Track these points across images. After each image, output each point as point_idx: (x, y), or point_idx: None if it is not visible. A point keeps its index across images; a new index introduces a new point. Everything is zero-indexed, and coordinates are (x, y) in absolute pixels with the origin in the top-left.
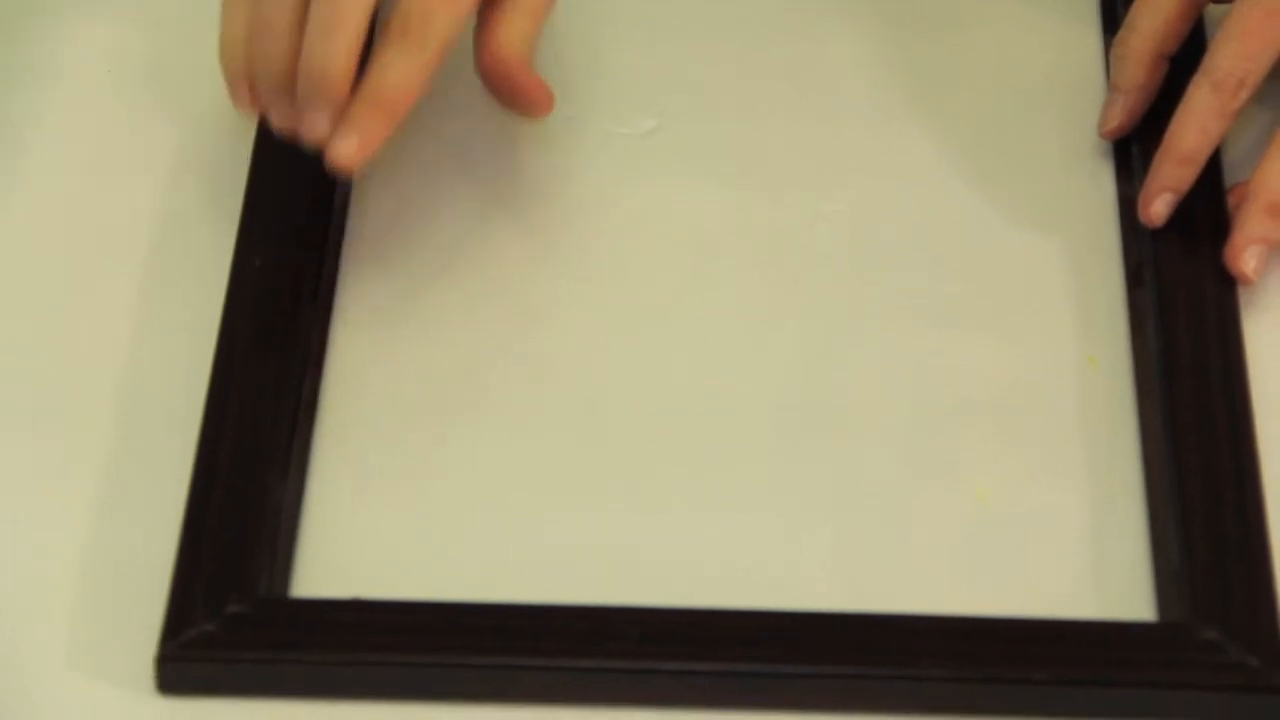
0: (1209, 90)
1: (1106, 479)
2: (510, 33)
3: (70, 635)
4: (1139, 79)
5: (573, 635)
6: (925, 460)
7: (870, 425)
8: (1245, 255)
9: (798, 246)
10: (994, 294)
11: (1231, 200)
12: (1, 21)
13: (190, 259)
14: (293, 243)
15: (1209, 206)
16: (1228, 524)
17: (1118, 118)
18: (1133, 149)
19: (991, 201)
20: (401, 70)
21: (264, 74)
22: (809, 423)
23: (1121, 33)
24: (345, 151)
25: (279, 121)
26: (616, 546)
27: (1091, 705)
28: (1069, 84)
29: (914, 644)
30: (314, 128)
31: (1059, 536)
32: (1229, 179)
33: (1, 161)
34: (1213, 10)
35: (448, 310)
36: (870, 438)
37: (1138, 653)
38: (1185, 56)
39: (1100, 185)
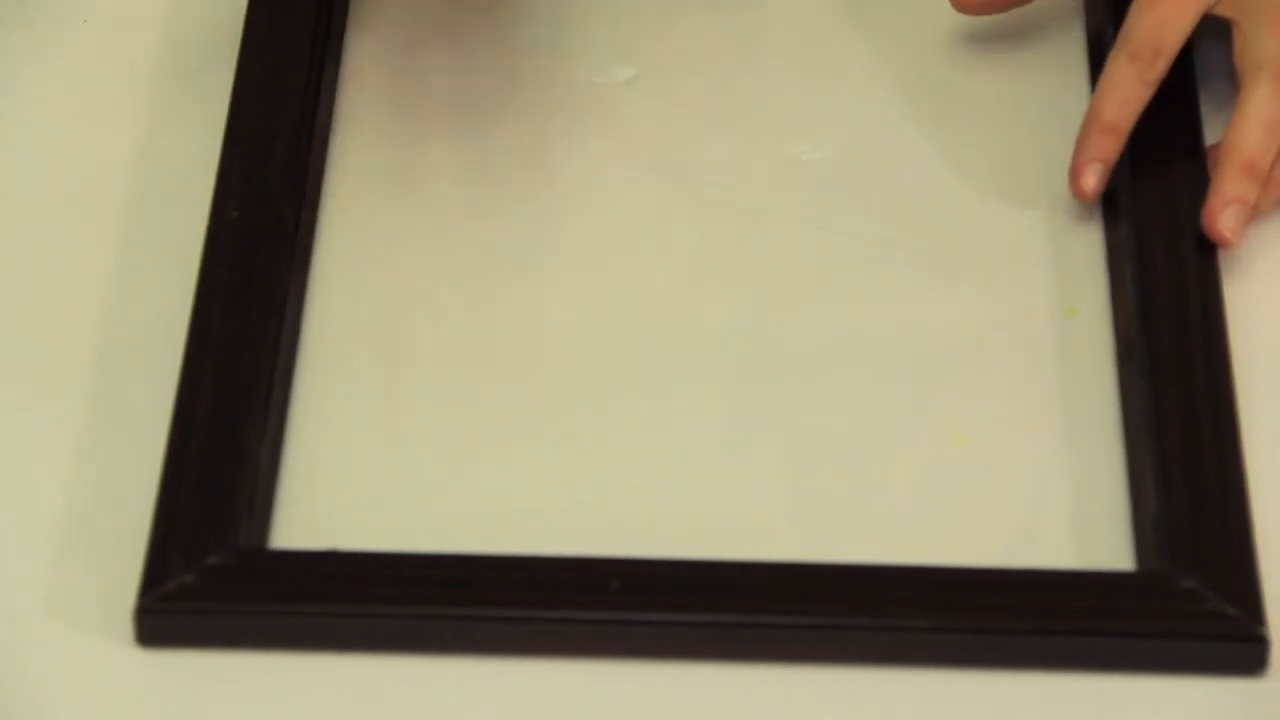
0: (1126, 60)
1: (1085, 428)
2: None
3: (49, 587)
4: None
5: (552, 586)
6: (903, 409)
7: (848, 374)
8: (1222, 217)
9: (774, 195)
10: (972, 243)
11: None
12: None
13: (168, 209)
14: (271, 194)
15: (1187, 155)
16: (1206, 473)
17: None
18: None
19: (970, 150)
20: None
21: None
22: (788, 372)
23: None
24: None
25: None
26: (596, 497)
27: (1070, 656)
28: (1047, 30)
29: (892, 595)
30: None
31: (1037, 486)
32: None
33: None
34: None
35: (426, 262)
36: (848, 387)
37: (1116, 602)
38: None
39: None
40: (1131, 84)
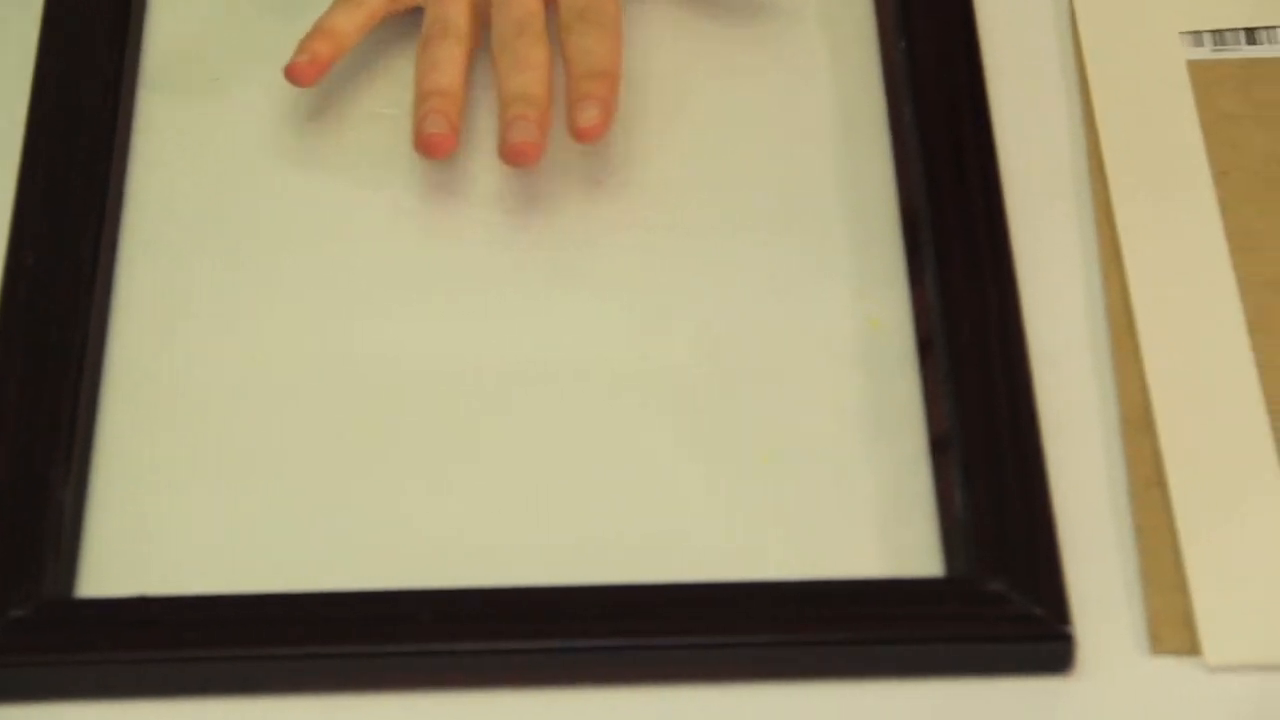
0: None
1: (890, 438)
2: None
3: None
4: None
5: (364, 621)
6: (712, 427)
7: (655, 393)
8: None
9: (585, 215)
10: (775, 259)
11: None
12: None
13: None
14: (67, 238)
15: (980, 162)
16: (1008, 477)
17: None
18: (904, 113)
19: (767, 168)
20: (606, 47)
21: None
22: (596, 394)
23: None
24: (592, 119)
25: (520, 135)
26: (409, 530)
27: (882, 663)
28: (842, 48)
29: (706, 611)
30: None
31: (847, 497)
32: None
33: None
34: None
35: (232, 297)
36: (655, 406)
37: (926, 608)
38: None
39: (877, 153)
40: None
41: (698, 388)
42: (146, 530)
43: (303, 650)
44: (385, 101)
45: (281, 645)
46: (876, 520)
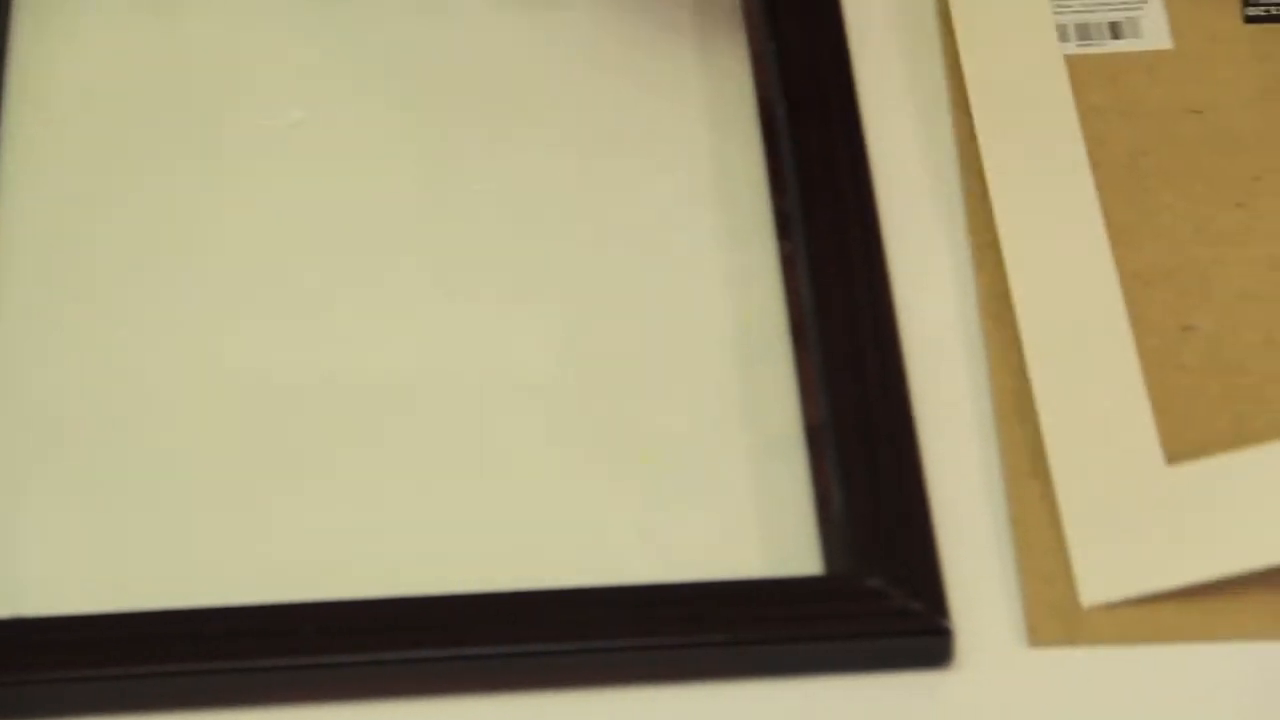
0: None
1: (768, 436)
2: None
3: None
4: None
5: (245, 635)
6: (587, 430)
7: (528, 397)
8: None
9: (448, 229)
10: (648, 258)
11: None
12: None
13: None
14: None
15: (851, 161)
16: (884, 472)
17: None
18: (775, 111)
19: (645, 166)
20: None
21: None
22: (467, 399)
23: None
24: None
25: None
26: (275, 543)
27: (764, 663)
28: (711, 60)
29: (584, 616)
30: None
31: (725, 497)
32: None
33: None
34: None
35: (100, 314)
36: (529, 410)
37: (805, 607)
38: None
39: (748, 150)
40: None
41: (572, 390)
42: (19, 550)
43: (179, 667)
44: (265, 112)
45: (158, 663)
46: (756, 518)
